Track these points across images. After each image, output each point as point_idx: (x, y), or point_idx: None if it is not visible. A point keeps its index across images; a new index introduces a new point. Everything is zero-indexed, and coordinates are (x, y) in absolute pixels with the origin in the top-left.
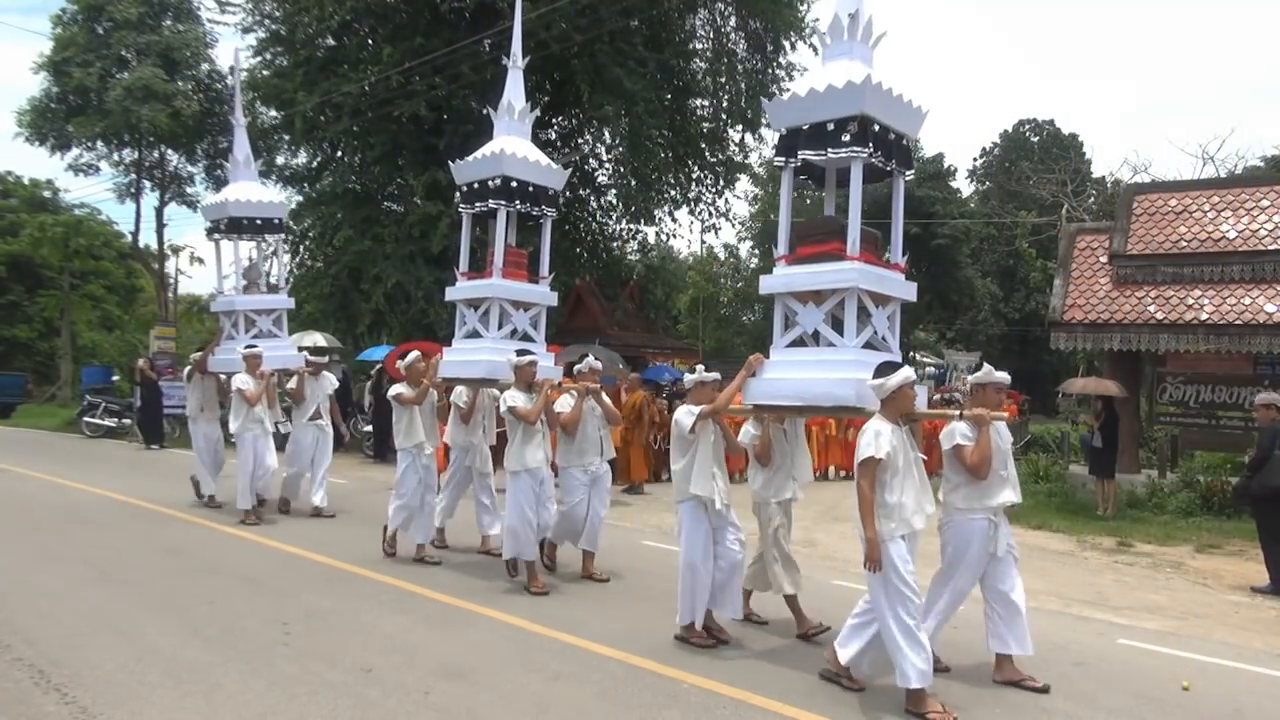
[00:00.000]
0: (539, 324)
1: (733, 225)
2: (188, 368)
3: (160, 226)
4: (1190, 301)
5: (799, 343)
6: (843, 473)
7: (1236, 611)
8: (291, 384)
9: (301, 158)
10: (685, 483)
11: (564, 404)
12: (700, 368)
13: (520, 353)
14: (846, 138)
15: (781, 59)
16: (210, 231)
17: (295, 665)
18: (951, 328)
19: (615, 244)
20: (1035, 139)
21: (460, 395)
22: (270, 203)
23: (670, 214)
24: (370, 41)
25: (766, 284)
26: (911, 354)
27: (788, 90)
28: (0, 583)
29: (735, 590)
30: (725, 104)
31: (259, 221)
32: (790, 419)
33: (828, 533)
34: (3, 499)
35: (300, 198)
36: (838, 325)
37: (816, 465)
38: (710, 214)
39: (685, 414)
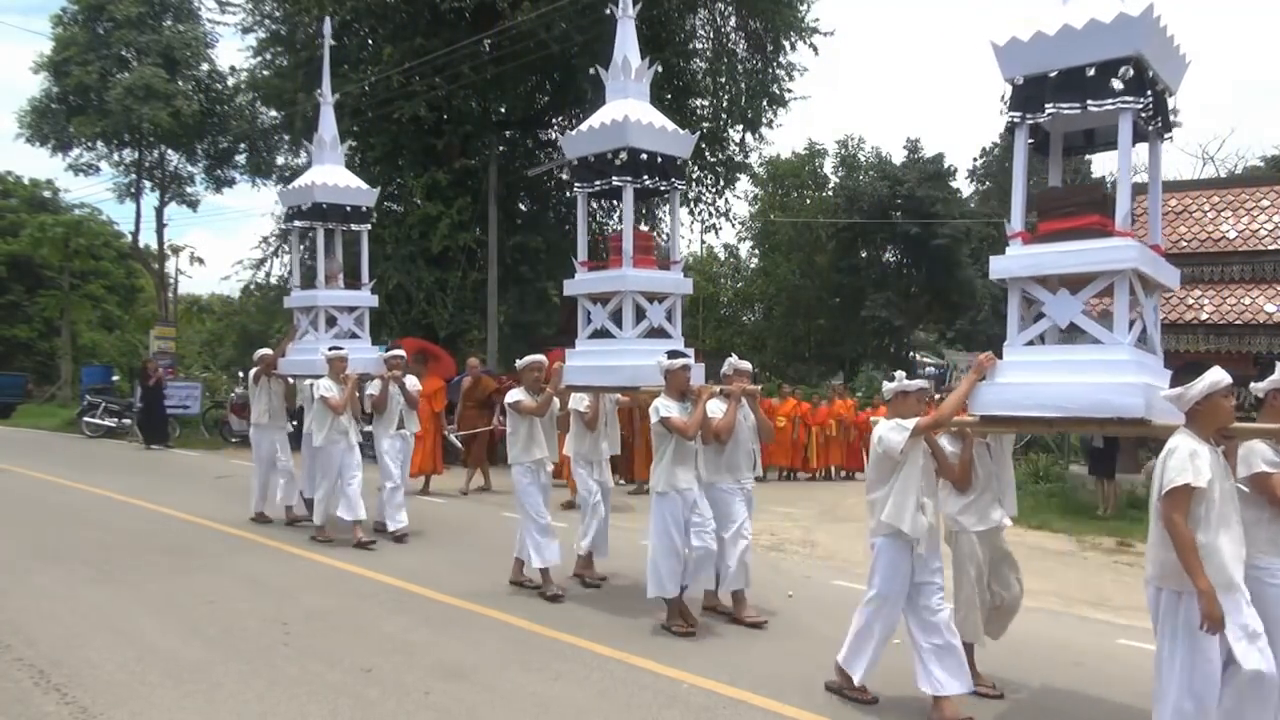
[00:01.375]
0: (674, 317)
1: (733, 225)
2: (254, 369)
3: (160, 226)
4: (1190, 301)
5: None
6: (843, 473)
7: None
8: (373, 389)
9: (302, 158)
10: (884, 513)
11: (714, 409)
12: (900, 374)
13: (672, 354)
14: (1118, 85)
15: (781, 59)
16: (289, 217)
17: (295, 665)
18: (951, 328)
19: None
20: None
21: (581, 401)
22: (359, 189)
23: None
24: (370, 41)
25: (1000, 267)
26: (911, 354)
27: (1030, 28)
28: (0, 582)
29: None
30: (725, 104)
31: (346, 209)
32: (997, 434)
33: (827, 533)
34: (3, 499)
35: None
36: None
37: (816, 465)
38: (710, 214)
39: (894, 430)
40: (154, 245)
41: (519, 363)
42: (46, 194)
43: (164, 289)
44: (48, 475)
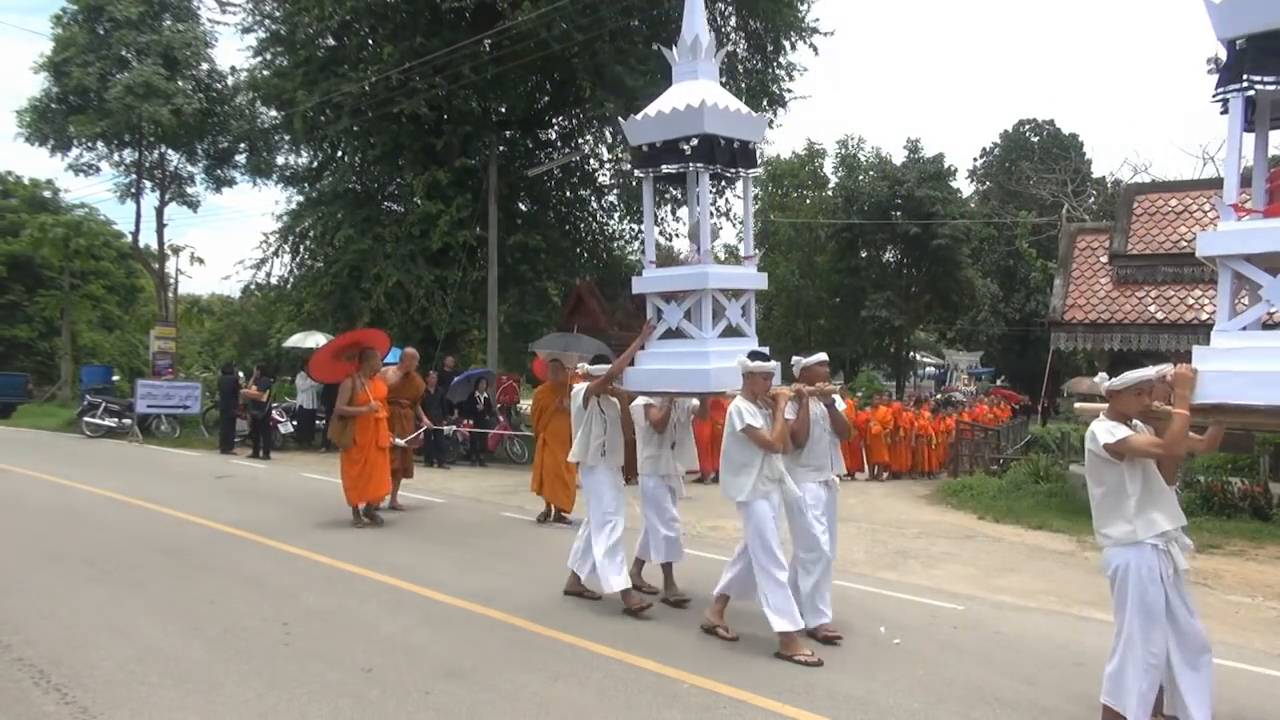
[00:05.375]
0: None
1: (733, 225)
2: (579, 386)
3: (160, 226)
4: (1190, 301)
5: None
6: (843, 472)
7: (1237, 612)
8: (790, 413)
9: (302, 158)
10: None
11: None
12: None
13: None
14: None
15: (781, 59)
16: (646, 160)
17: (295, 665)
18: (952, 328)
19: (615, 244)
20: (1035, 139)
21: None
22: (749, 115)
23: (672, 213)
24: (370, 41)
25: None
26: (911, 354)
27: None
28: (0, 582)
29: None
30: None
31: (735, 145)
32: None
33: None
34: (3, 499)
35: (300, 198)
36: None
37: None
38: (710, 214)
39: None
40: (154, 245)
41: (1111, 382)
42: (46, 194)
43: (164, 289)
44: (48, 475)
